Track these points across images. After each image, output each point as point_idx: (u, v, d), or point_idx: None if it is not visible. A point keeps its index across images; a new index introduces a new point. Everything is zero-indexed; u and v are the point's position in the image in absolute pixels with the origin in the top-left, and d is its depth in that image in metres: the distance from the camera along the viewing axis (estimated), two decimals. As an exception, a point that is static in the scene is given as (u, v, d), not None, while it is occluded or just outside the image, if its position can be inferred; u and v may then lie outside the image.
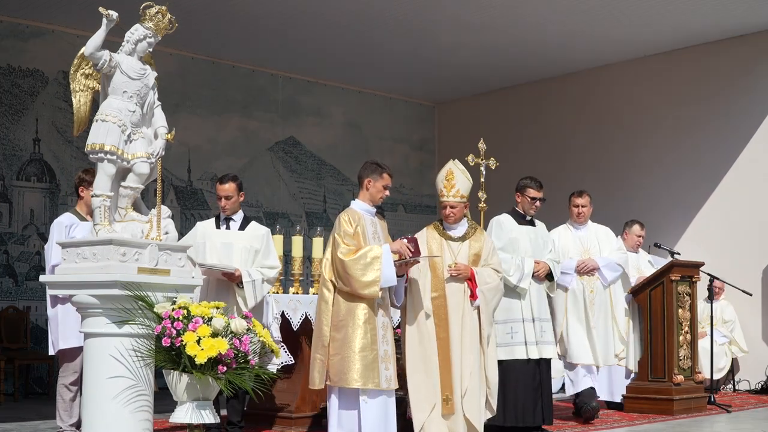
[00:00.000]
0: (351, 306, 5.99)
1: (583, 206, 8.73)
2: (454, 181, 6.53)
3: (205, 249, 6.87)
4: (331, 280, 6.06)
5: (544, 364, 7.28)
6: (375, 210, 6.29)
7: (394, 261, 6.03)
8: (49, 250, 6.38)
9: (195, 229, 7.10)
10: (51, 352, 6.45)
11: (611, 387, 9.08)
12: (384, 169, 6.24)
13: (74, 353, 6.37)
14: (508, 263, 7.09)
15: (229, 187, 6.97)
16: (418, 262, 6.24)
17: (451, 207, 6.54)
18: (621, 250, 8.92)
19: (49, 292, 5.91)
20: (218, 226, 7.01)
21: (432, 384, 6.29)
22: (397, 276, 6.12)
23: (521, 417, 7.10)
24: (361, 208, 6.23)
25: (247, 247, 6.96)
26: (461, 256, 6.49)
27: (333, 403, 6.03)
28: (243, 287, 6.79)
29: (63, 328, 6.30)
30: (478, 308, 6.41)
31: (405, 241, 6.09)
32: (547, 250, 7.49)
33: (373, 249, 5.98)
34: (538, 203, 7.51)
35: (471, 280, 6.42)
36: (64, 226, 6.41)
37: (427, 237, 6.55)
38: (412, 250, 6.05)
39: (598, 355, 8.46)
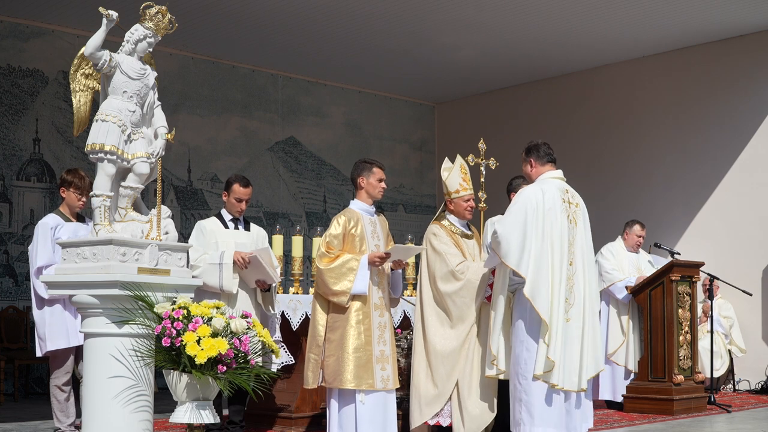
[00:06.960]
0: (345, 307, 5.97)
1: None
2: (469, 175, 6.54)
3: (217, 249, 6.60)
4: None
5: None
6: (374, 209, 6.28)
7: (379, 255, 6.02)
8: (35, 252, 6.32)
9: (199, 228, 6.77)
10: (38, 353, 6.41)
11: (613, 386, 9.08)
12: (373, 164, 6.22)
13: (64, 354, 6.36)
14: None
15: (250, 191, 6.88)
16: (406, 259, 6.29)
17: (472, 201, 6.53)
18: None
19: (49, 292, 5.89)
20: (226, 226, 6.81)
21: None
22: (393, 269, 6.20)
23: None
24: (359, 207, 6.20)
25: (255, 248, 6.90)
26: (476, 253, 6.53)
27: (332, 405, 6.02)
28: (269, 292, 6.73)
29: (50, 330, 6.27)
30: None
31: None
32: None
33: (351, 261, 5.95)
34: None
35: None
36: (49, 227, 6.35)
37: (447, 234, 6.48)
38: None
39: None
